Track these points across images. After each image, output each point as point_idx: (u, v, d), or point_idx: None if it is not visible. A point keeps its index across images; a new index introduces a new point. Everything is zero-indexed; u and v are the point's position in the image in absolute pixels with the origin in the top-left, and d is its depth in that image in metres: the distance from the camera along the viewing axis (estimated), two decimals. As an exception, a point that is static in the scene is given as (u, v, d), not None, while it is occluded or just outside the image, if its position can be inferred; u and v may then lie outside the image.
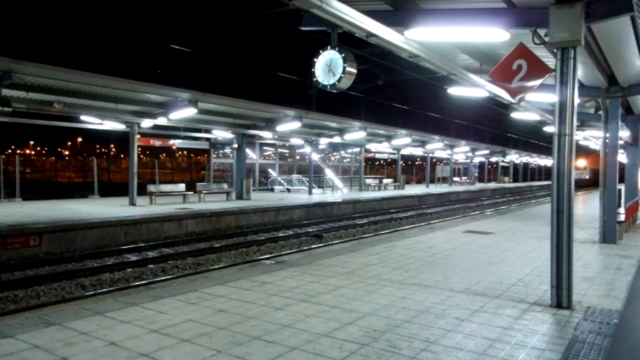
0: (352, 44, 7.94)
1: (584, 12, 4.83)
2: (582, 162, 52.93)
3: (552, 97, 5.19)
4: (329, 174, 30.33)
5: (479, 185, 44.50)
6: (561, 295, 4.99)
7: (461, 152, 39.72)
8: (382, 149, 32.92)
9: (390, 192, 28.22)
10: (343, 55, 5.78)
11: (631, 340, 1.08)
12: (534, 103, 11.92)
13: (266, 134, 21.72)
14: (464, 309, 4.86)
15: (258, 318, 4.53)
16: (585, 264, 7.36)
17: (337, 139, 23.90)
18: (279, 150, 30.84)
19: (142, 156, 46.66)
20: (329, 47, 5.88)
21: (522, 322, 4.51)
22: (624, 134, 13.33)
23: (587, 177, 54.16)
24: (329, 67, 5.85)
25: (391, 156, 38.32)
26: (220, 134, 21.56)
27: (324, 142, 25.59)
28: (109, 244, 11.90)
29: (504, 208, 23.17)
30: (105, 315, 4.56)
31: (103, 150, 76.93)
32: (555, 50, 5.07)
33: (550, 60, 5.90)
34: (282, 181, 29.18)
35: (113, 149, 72.87)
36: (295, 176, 30.55)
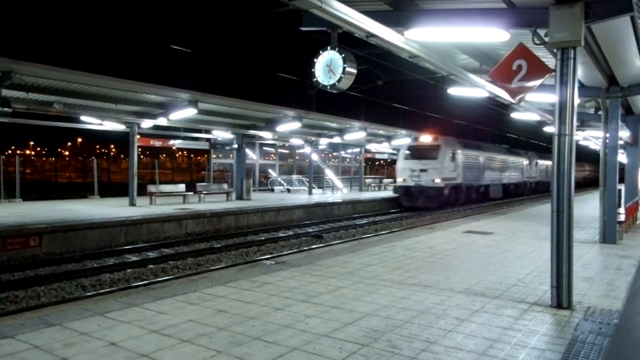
0: (352, 44, 7.95)
1: (584, 12, 4.83)
2: (427, 138, 23.98)
3: (552, 97, 5.19)
4: (329, 174, 30.31)
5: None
6: (561, 295, 4.99)
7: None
8: (382, 149, 32.88)
9: (391, 192, 28.21)
10: (343, 55, 5.78)
11: (631, 340, 1.08)
12: (534, 103, 11.92)
13: (266, 135, 21.71)
14: (464, 309, 4.86)
15: (258, 318, 4.53)
16: (585, 264, 7.36)
17: (337, 139, 23.89)
18: (279, 150, 30.83)
19: (142, 156, 46.67)
20: (328, 48, 5.89)
21: (522, 322, 4.51)
22: (624, 134, 13.33)
23: (435, 183, 22.62)
24: (329, 68, 5.86)
25: (391, 156, 38.29)
26: (220, 134, 21.55)
27: (324, 142, 25.57)
28: (109, 244, 11.89)
29: (504, 208, 23.12)
30: (105, 316, 4.56)
31: (103, 150, 76.94)
32: (555, 50, 5.08)
33: (550, 60, 5.91)
34: (282, 181, 29.18)
35: (113, 150, 72.89)
36: (295, 176, 30.54)
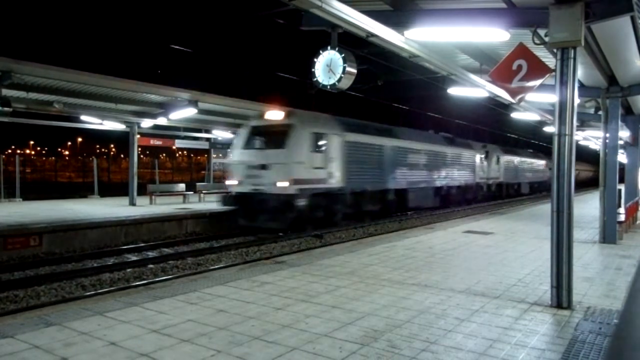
0: (352, 44, 7.95)
1: (584, 12, 4.83)
2: (274, 114, 14.41)
3: (552, 97, 5.19)
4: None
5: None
6: (561, 295, 4.99)
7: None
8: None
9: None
10: (343, 55, 5.79)
11: (631, 340, 1.08)
12: (534, 103, 11.93)
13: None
14: (464, 309, 4.86)
15: (258, 318, 4.53)
16: (585, 264, 7.36)
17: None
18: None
19: (142, 156, 46.67)
20: (329, 47, 5.89)
21: (522, 322, 4.51)
22: (624, 134, 13.35)
23: (280, 188, 13.23)
24: (329, 67, 5.86)
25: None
26: (220, 134, 21.56)
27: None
28: (109, 244, 11.89)
29: (504, 208, 23.17)
30: (105, 315, 4.56)
31: (103, 150, 77.05)
32: (555, 50, 5.08)
33: (550, 60, 5.91)
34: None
35: (113, 149, 72.99)
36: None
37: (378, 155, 17.60)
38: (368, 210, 17.33)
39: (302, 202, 13.61)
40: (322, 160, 14.47)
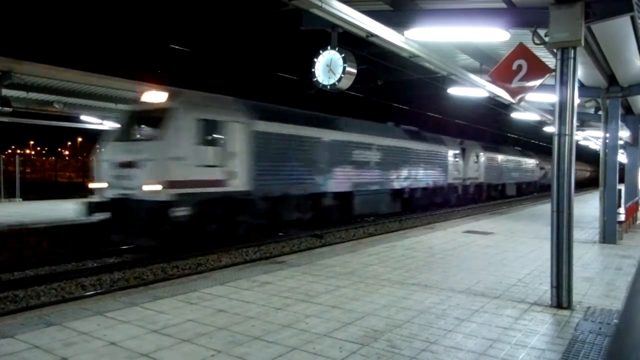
0: (352, 44, 7.96)
1: (584, 12, 4.83)
2: (153, 96, 10.94)
3: (552, 97, 5.19)
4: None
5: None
6: (561, 295, 5.00)
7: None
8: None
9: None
10: (343, 55, 5.80)
11: (631, 340, 1.08)
12: (534, 103, 11.94)
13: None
14: (464, 309, 4.86)
15: (258, 318, 4.53)
16: (585, 264, 7.36)
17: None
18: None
19: (142, 156, 46.39)
20: (329, 47, 5.90)
21: (522, 322, 4.51)
22: (624, 134, 13.35)
23: (149, 193, 9.91)
24: (329, 67, 5.87)
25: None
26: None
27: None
28: (109, 243, 11.87)
29: (504, 208, 23.17)
30: (105, 315, 4.56)
31: (103, 150, 76.90)
32: (555, 50, 5.08)
33: (550, 60, 5.91)
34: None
35: (113, 149, 72.82)
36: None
37: (308, 151, 14.12)
38: (291, 219, 13.91)
39: (182, 212, 10.34)
40: (216, 157, 11.12)
